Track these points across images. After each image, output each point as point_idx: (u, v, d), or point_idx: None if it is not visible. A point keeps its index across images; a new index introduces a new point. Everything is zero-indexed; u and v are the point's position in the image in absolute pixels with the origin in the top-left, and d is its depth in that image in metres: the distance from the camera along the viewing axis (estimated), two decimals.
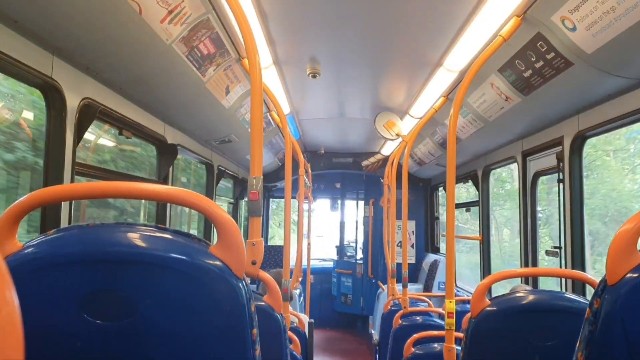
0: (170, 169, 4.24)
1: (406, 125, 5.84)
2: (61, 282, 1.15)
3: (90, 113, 2.87)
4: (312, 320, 3.73)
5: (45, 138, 2.63)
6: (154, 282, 1.16)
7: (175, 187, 1.31)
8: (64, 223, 2.66)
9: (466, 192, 7.83)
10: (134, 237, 1.18)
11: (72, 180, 2.73)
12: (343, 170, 9.10)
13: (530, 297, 2.12)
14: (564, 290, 3.93)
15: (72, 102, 2.71)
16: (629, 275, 1.13)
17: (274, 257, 8.95)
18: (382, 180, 7.08)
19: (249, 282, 1.26)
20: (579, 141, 3.69)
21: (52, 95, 2.60)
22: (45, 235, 1.21)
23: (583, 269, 3.68)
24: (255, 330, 1.22)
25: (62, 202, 2.64)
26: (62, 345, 1.15)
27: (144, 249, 1.16)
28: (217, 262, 1.18)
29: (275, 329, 2.03)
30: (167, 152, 4.18)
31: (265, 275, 1.81)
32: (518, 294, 2.14)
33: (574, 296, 2.17)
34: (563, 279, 3.97)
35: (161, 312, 1.16)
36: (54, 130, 2.64)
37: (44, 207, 2.58)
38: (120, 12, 2.31)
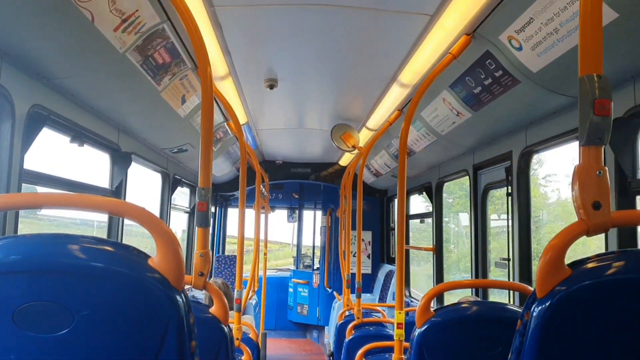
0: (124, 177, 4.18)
1: (363, 137, 5.91)
2: None
3: (40, 120, 2.81)
4: (267, 331, 3.72)
5: None
6: (91, 294, 1.15)
7: (114, 199, 1.30)
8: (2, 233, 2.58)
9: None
10: (73, 248, 1.17)
11: (19, 189, 2.66)
12: (301, 181, 9.12)
13: (474, 308, 2.18)
14: (511, 301, 4.03)
15: (21, 109, 2.65)
16: (557, 288, 1.19)
17: (230, 267, 8.85)
18: (339, 191, 7.13)
19: (188, 294, 1.26)
20: (527, 156, 3.82)
21: (0, 102, 2.54)
22: None
23: (529, 280, 3.79)
24: (194, 343, 1.22)
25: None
26: None
27: (82, 260, 1.15)
28: (156, 275, 1.18)
29: (220, 341, 2.02)
30: (120, 161, 4.11)
31: (212, 286, 1.81)
32: (462, 305, 2.21)
33: (515, 307, 2.24)
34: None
35: (98, 324, 1.15)
36: (1, 137, 2.57)
37: None
38: (72, 19, 2.28)
